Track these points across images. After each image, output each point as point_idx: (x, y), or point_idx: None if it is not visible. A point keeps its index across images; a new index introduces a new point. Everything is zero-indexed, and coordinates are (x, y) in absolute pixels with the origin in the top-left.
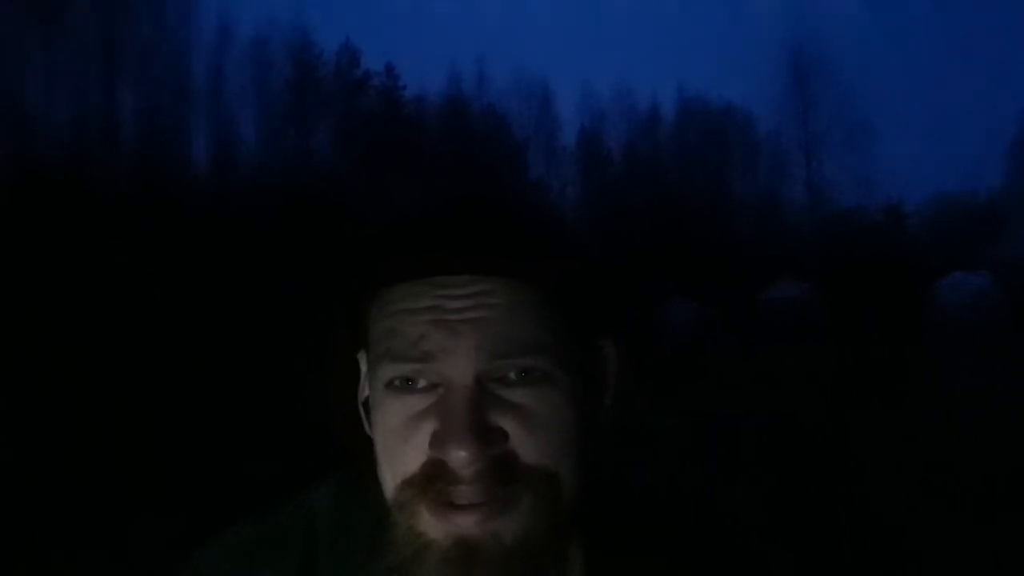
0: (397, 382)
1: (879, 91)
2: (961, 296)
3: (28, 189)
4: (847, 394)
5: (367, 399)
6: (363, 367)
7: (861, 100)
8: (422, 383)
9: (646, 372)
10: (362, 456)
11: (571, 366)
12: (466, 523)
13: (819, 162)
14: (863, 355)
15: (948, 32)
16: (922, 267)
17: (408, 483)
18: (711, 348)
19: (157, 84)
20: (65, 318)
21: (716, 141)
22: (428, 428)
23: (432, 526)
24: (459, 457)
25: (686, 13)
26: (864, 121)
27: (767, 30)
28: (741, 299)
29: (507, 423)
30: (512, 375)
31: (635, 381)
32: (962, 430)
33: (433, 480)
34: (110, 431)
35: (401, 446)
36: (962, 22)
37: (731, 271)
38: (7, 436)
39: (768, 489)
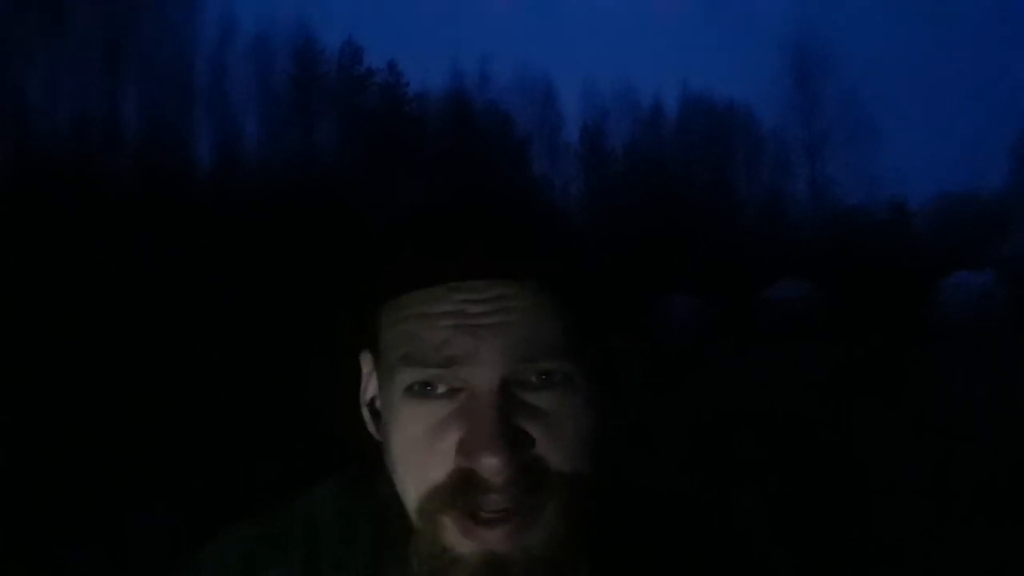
0: (416, 387)
1: (883, 89)
2: (965, 295)
3: (32, 187)
4: (850, 393)
5: (371, 400)
6: (365, 368)
7: (865, 98)
8: (442, 388)
9: (648, 370)
10: (364, 456)
11: (589, 369)
12: (494, 538)
13: (823, 160)
14: (866, 354)
15: (952, 31)
16: (926, 266)
17: (435, 493)
18: (713, 346)
19: (160, 82)
20: (68, 315)
21: (719, 139)
22: (454, 436)
23: (459, 541)
24: (490, 464)
25: (689, 10)
26: (868, 120)
27: (771, 28)
28: (744, 297)
29: (533, 428)
30: (534, 379)
31: (637, 379)
32: (965, 429)
33: (462, 492)
34: (111, 429)
35: (425, 455)
36: (966, 21)
37: (734, 269)
38: (7, 434)
39: (769, 488)
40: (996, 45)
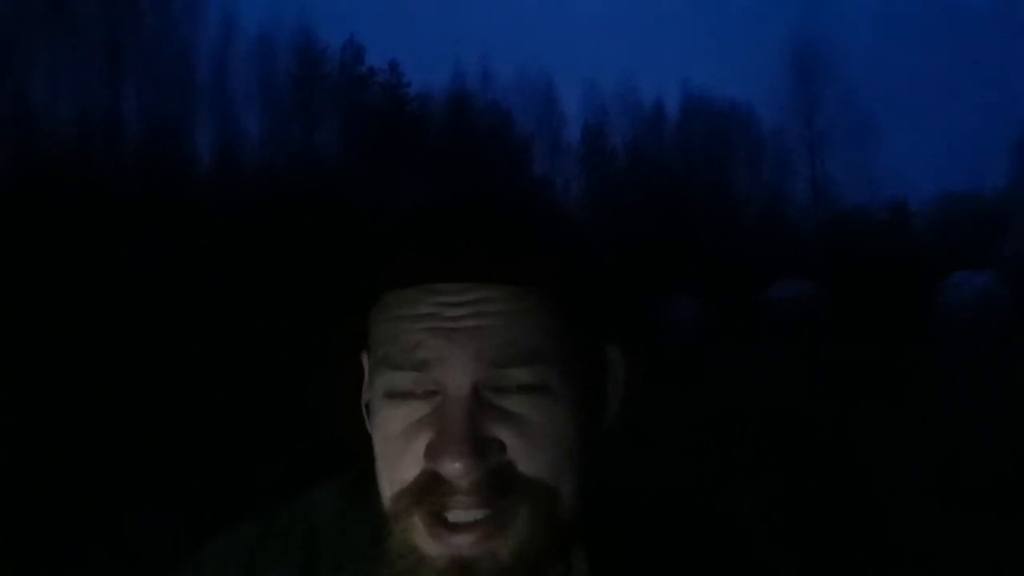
0: (395, 389)
1: (884, 89)
2: (965, 295)
3: (33, 186)
4: (851, 393)
5: (369, 401)
6: (366, 368)
7: (866, 98)
8: (419, 391)
9: (648, 371)
10: (364, 457)
11: (573, 375)
12: (463, 543)
13: (823, 160)
14: (867, 354)
15: (953, 30)
16: (927, 266)
17: (403, 493)
18: (714, 346)
19: (161, 81)
20: (68, 315)
21: (720, 139)
22: (424, 438)
23: (428, 543)
24: (453, 469)
25: (690, 10)
26: (869, 119)
27: (771, 28)
28: (745, 297)
29: (504, 434)
30: (511, 384)
31: (638, 382)
32: (965, 429)
33: (428, 492)
34: (111, 429)
35: (397, 455)
36: (967, 21)
37: (735, 269)
38: (7, 434)
39: (771, 489)
40: (996, 45)
